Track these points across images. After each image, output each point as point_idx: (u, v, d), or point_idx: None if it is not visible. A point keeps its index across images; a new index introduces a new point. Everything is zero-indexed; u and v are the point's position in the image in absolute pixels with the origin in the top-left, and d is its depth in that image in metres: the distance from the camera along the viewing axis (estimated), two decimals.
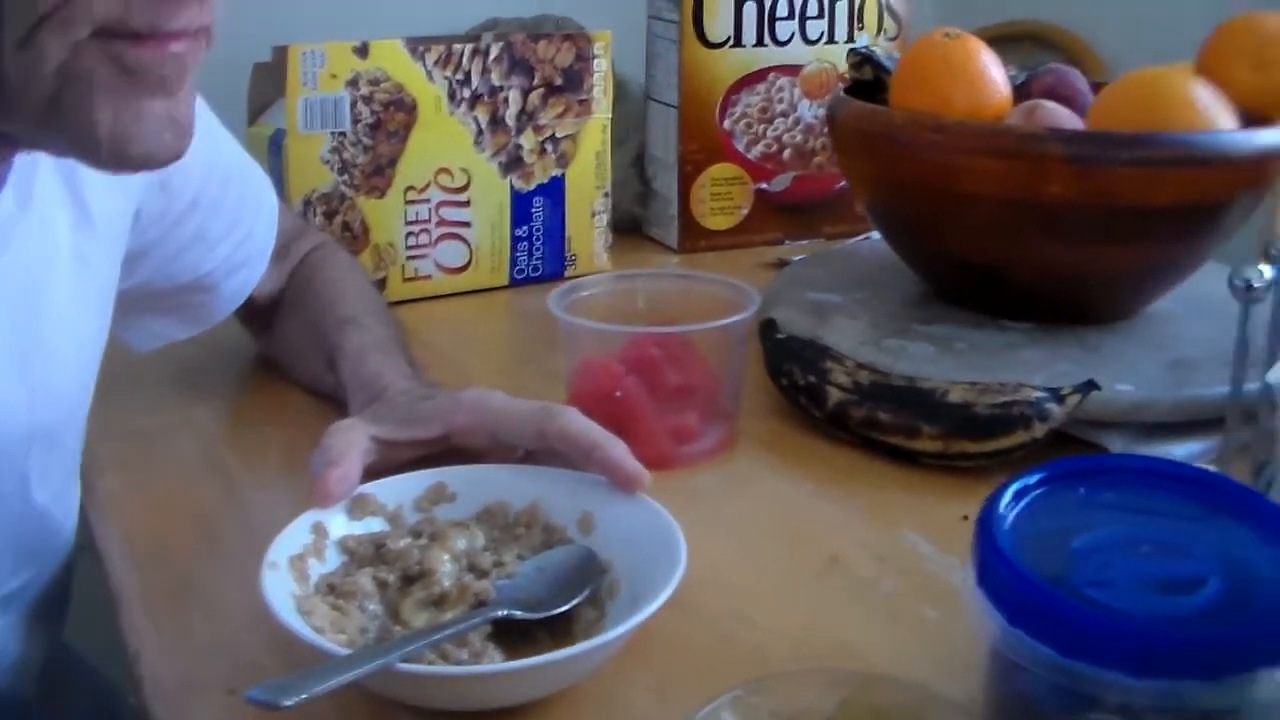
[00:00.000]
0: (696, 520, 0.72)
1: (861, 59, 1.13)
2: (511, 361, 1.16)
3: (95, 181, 0.80)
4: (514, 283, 1.28)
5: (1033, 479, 0.60)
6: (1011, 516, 0.59)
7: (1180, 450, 0.89)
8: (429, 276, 1.24)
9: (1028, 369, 0.92)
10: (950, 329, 1.00)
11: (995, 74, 1.01)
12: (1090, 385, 0.88)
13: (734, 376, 0.92)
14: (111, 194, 0.83)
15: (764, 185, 1.43)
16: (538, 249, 1.28)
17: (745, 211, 1.43)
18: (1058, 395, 0.87)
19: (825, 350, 0.96)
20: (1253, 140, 0.94)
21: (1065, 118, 0.98)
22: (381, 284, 1.21)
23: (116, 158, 0.60)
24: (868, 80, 1.12)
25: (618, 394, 0.87)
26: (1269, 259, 0.81)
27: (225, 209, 0.96)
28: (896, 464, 0.89)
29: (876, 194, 1.05)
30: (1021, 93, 1.08)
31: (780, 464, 0.91)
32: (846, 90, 1.09)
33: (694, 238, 1.41)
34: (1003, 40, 2.91)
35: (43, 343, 0.79)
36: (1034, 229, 0.95)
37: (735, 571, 0.76)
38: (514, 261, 1.28)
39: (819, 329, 1.00)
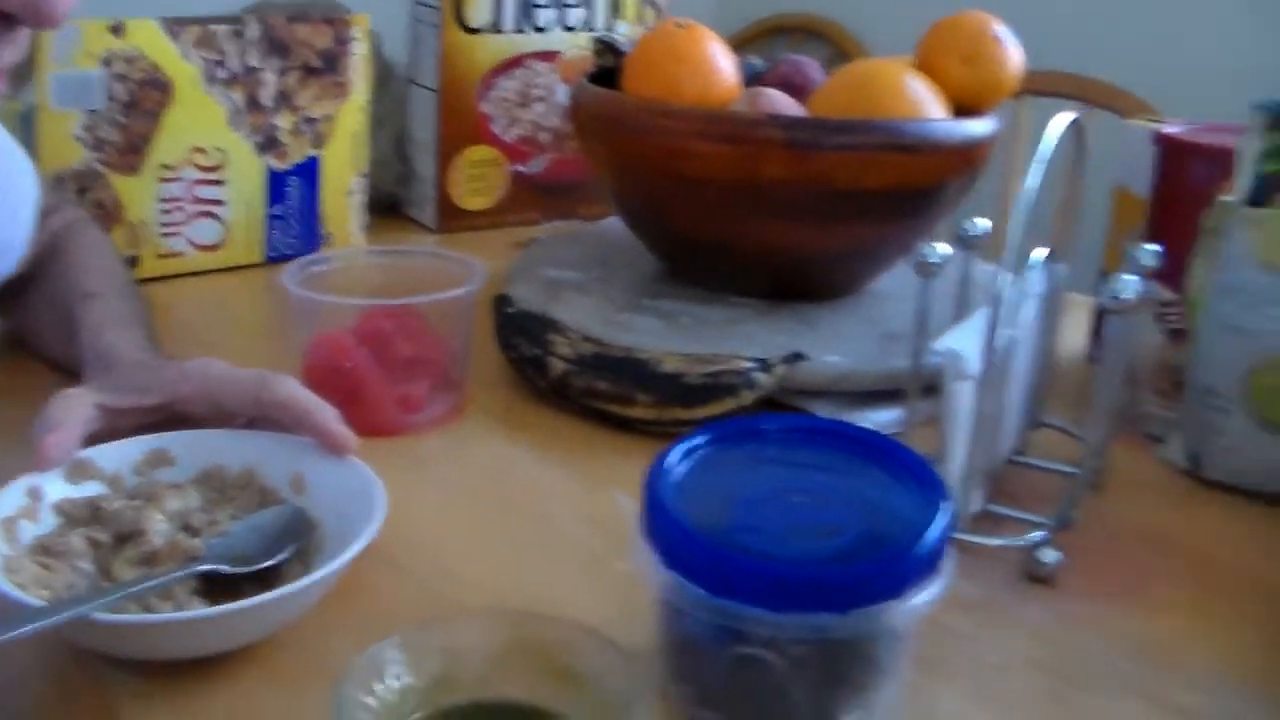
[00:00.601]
0: (417, 484, 0.75)
1: (604, 46, 1.17)
2: (261, 336, 1.18)
3: None
4: (269, 260, 1.30)
5: (701, 439, 0.65)
6: (680, 472, 0.63)
7: (881, 417, 0.95)
8: (183, 254, 1.25)
9: (746, 342, 0.98)
10: (679, 305, 1.05)
11: (723, 63, 1.05)
12: (797, 356, 0.94)
13: (463, 348, 0.96)
14: None
15: (520, 167, 1.47)
16: (292, 228, 1.30)
17: (502, 193, 1.46)
18: (765, 365, 0.93)
19: (551, 323, 1.00)
20: (959, 129, 1.01)
21: (786, 104, 1.03)
22: (134, 261, 1.22)
23: None
24: (610, 67, 1.16)
25: (349, 365, 0.90)
26: (957, 239, 0.88)
27: None
28: (614, 431, 0.94)
29: (612, 176, 1.09)
30: (758, 82, 1.13)
31: (505, 431, 0.95)
32: (590, 77, 1.13)
33: (452, 218, 1.44)
34: (776, 32, 3.01)
35: None
36: (755, 210, 1.00)
37: (448, 532, 0.80)
38: (269, 240, 1.30)
39: (550, 305, 1.04)
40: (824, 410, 0.95)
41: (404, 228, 1.46)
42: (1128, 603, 0.75)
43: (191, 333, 1.12)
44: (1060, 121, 0.80)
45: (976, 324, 0.80)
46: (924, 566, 0.58)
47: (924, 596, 0.58)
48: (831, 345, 0.98)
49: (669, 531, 0.59)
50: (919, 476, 0.63)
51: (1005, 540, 0.78)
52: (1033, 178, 0.75)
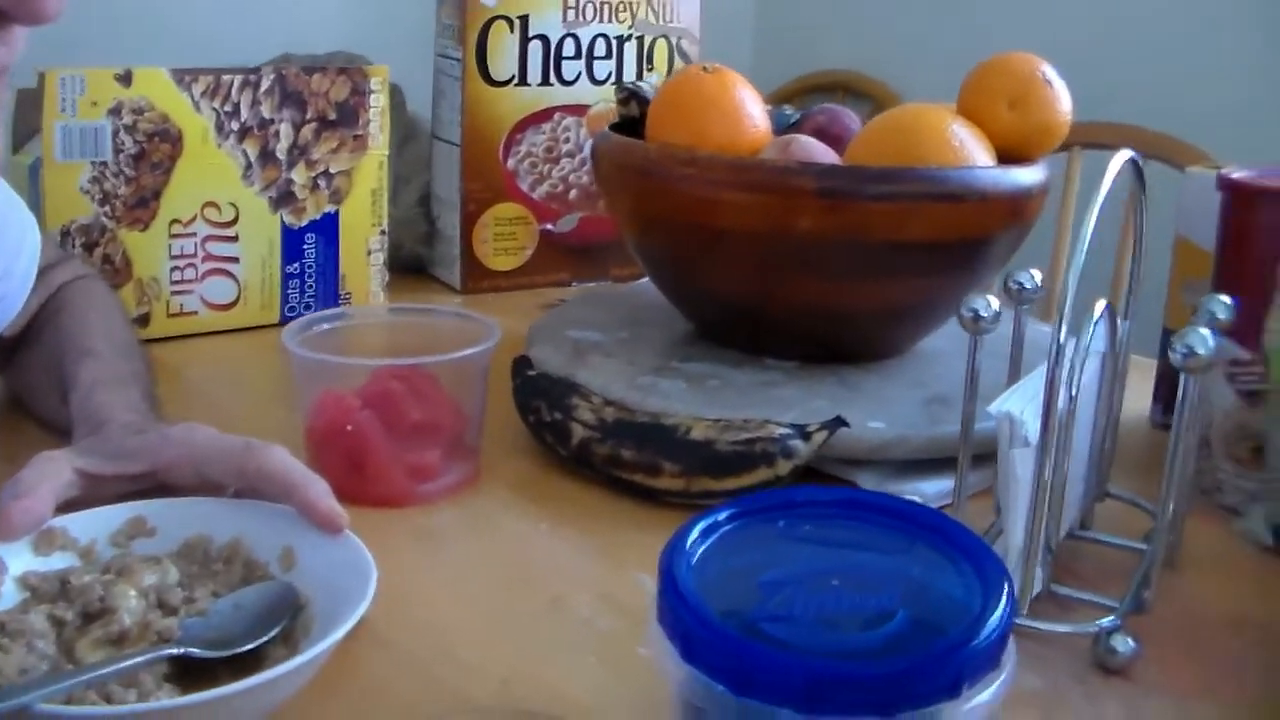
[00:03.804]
0: (424, 559, 0.69)
1: (629, 94, 1.11)
2: (275, 401, 1.12)
3: None
4: (286, 320, 1.24)
5: (723, 514, 0.58)
6: (700, 552, 0.57)
7: (931, 488, 0.88)
8: (195, 313, 1.20)
9: (781, 406, 0.91)
10: (708, 367, 0.98)
11: (752, 109, 0.99)
12: (838, 422, 0.87)
13: (477, 413, 0.90)
14: None
15: (549, 226, 1.41)
16: (310, 287, 1.25)
17: (530, 252, 1.40)
18: (803, 432, 0.86)
19: (573, 387, 0.93)
20: (1007, 177, 0.94)
21: (820, 152, 0.97)
22: (145, 319, 1.17)
23: None
24: (635, 116, 1.10)
25: (349, 428, 0.84)
26: (1006, 291, 0.81)
27: None
28: (639, 503, 0.87)
29: (637, 230, 1.03)
30: (792, 131, 1.07)
31: (521, 503, 0.88)
32: (613, 126, 1.07)
33: (478, 278, 1.38)
34: (816, 90, 2.96)
35: None
36: (788, 264, 0.94)
37: (455, 612, 0.73)
38: (285, 299, 1.24)
39: (574, 367, 0.98)
40: (868, 481, 0.88)
41: (429, 288, 1.40)
42: (1210, 699, 0.67)
43: (202, 396, 1.07)
44: (1118, 160, 0.73)
45: (1033, 385, 0.73)
46: (983, 659, 0.50)
47: (985, 695, 0.50)
48: (874, 410, 0.91)
49: (686, 620, 0.52)
50: (974, 556, 0.56)
51: (1072, 626, 0.70)
52: (1089, 218, 0.68)
